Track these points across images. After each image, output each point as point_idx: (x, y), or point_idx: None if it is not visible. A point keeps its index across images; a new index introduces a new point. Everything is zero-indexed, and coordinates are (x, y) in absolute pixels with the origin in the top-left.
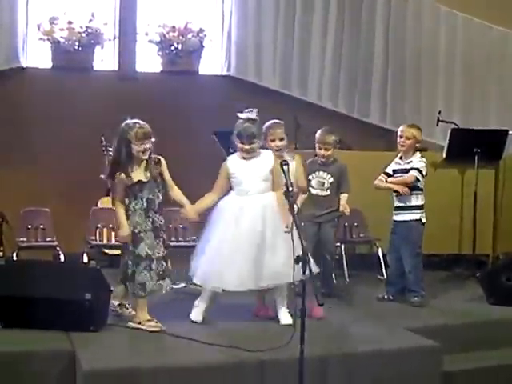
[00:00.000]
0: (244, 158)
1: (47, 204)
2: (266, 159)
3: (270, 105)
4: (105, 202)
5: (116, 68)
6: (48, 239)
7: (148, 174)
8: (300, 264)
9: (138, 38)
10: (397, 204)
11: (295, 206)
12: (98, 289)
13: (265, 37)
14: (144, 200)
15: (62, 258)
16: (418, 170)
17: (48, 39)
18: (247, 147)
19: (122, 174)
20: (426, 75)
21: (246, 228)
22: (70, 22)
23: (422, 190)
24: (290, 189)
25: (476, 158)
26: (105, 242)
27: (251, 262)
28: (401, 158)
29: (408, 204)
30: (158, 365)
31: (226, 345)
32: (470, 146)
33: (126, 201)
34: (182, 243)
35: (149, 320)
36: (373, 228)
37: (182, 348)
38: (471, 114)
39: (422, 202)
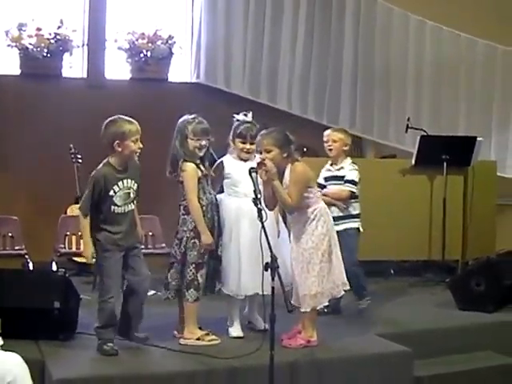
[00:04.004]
0: (241, 159)
1: (15, 212)
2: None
3: (240, 112)
4: (74, 210)
5: (85, 75)
6: (17, 247)
7: (199, 173)
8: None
9: (107, 44)
10: (336, 214)
11: (263, 213)
12: (67, 297)
13: (234, 44)
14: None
15: (31, 266)
16: (352, 181)
17: (16, 46)
18: (248, 147)
19: (192, 164)
20: (395, 82)
21: (247, 230)
22: (38, 29)
23: (357, 197)
24: (259, 196)
25: (445, 164)
26: (74, 249)
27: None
28: (331, 164)
29: (347, 213)
30: (128, 373)
31: (196, 352)
32: (439, 153)
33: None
34: (151, 250)
35: (207, 334)
36: None
37: (152, 356)
38: (440, 121)
39: (359, 211)
